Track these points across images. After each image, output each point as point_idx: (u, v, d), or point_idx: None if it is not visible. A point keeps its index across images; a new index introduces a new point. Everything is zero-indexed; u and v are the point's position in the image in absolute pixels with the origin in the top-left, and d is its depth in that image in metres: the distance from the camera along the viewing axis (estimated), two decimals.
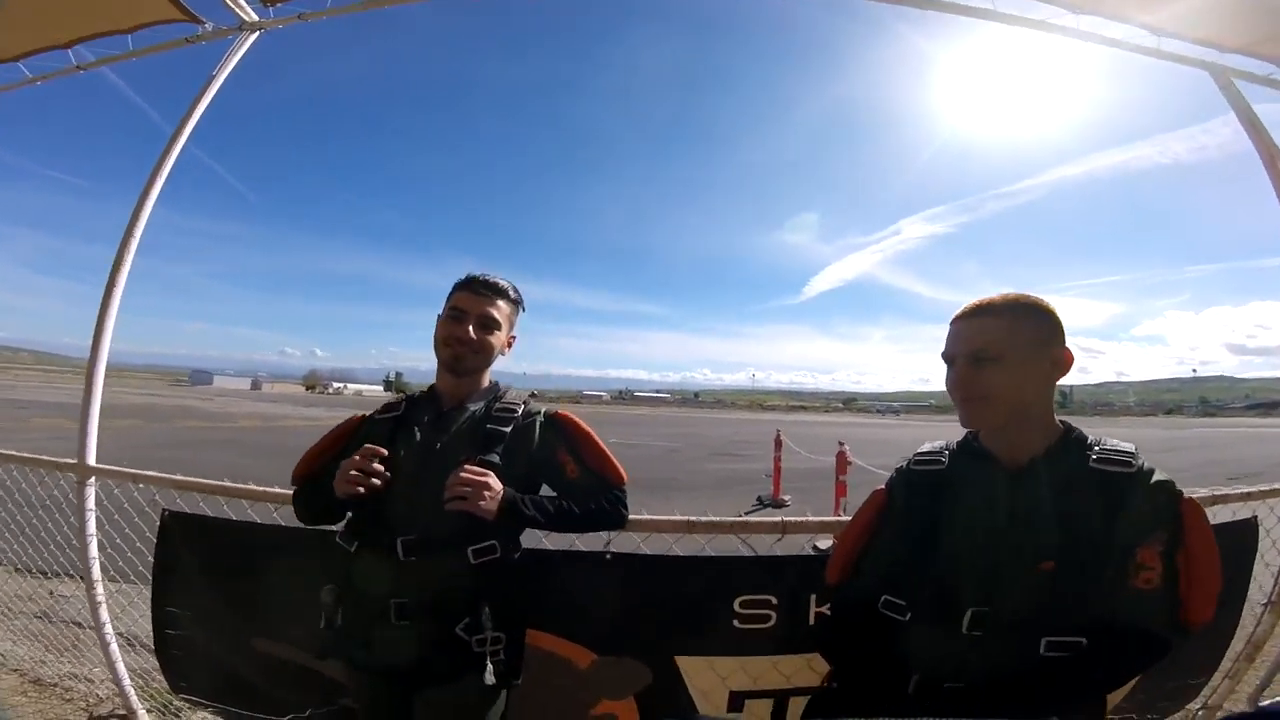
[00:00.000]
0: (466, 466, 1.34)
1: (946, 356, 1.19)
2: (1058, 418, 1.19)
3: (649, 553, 1.93)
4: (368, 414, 1.63)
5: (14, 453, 2.84)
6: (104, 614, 2.56)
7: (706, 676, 1.86)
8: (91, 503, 2.59)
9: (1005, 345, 1.11)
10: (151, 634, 2.28)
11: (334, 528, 1.55)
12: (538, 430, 1.52)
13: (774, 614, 1.84)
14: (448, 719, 1.39)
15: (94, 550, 2.58)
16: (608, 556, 1.90)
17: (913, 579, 1.19)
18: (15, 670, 2.87)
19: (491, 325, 1.50)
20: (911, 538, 1.23)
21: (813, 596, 1.84)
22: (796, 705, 1.84)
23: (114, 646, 2.56)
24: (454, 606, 1.36)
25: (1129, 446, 1.14)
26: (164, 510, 2.32)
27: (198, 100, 2.66)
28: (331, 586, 1.43)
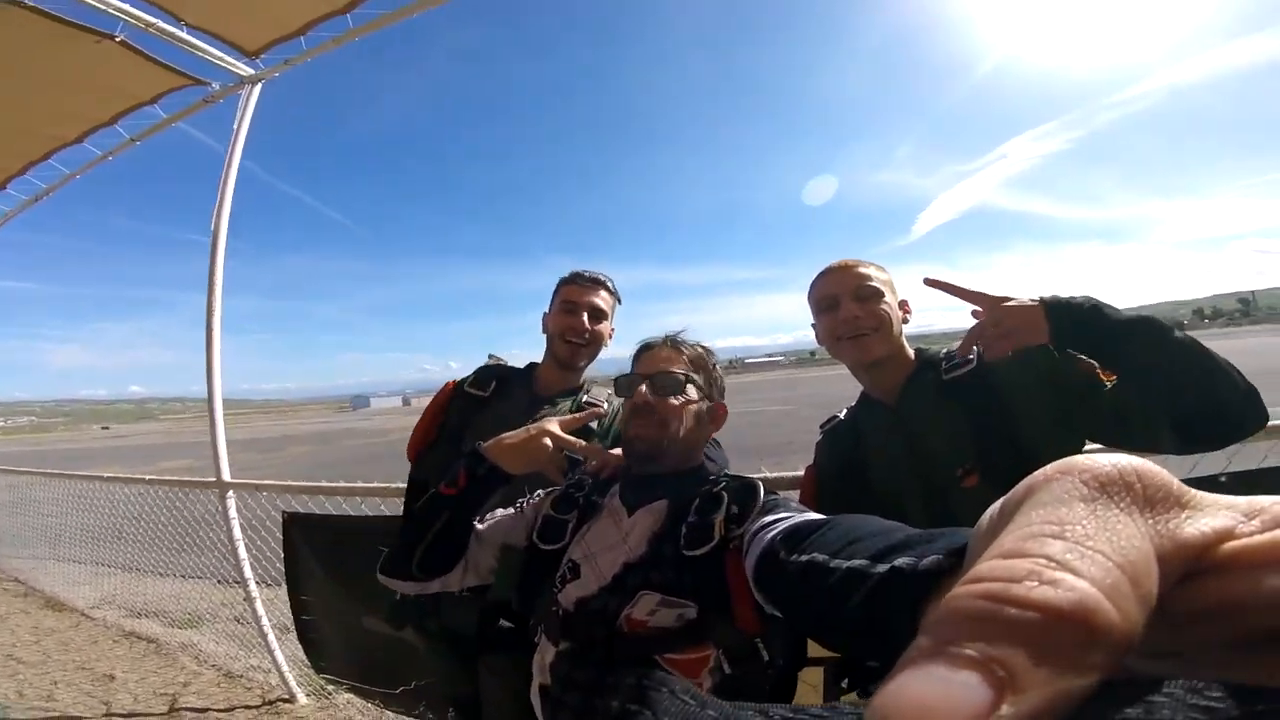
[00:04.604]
0: None
1: (826, 300, 1.25)
2: (914, 346, 1.29)
3: None
4: (460, 381, 1.62)
5: (169, 477, 3.26)
6: (259, 608, 2.88)
7: None
8: (234, 512, 2.91)
9: (880, 283, 1.23)
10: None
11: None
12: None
13: None
14: (508, 680, 1.37)
15: (243, 553, 2.90)
16: None
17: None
18: (214, 666, 3.32)
19: (600, 315, 1.57)
20: (849, 487, 1.25)
21: None
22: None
23: (271, 638, 2.88)
24: None
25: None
26: (284, 512, 2.53)
27: (231, 151, 2.97)
28: None
